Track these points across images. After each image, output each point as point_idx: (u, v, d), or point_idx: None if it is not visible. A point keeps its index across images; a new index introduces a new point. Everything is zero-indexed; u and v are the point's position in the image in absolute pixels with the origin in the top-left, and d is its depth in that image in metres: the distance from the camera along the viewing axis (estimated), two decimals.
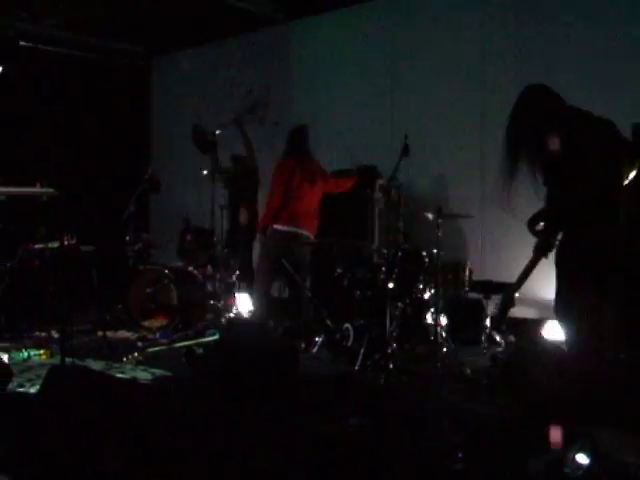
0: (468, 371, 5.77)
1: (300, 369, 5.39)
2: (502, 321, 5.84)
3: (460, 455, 3.65)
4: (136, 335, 7.94)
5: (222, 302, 8.03)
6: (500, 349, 6.51)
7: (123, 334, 7.98)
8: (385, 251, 6.41)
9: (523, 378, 4.49)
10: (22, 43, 10.28)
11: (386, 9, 8.72)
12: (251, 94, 8.33)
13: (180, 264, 8.62)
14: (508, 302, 4.66)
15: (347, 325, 6.39)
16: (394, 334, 6.10)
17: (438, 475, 3.60)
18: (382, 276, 6.35)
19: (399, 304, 6.28)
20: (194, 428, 3.07)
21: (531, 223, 4.56)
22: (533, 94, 4.37)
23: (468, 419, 4.70)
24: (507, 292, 4.66)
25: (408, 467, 3.62)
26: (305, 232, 7.27)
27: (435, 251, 6.24)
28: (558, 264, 4.23)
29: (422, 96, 8.34)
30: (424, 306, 6.45)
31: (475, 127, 7.87)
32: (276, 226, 7.24)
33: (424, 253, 6.44)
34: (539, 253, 4.32)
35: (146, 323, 8.21)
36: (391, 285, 6.19)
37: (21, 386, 5.30)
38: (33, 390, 5.17)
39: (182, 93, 11.13)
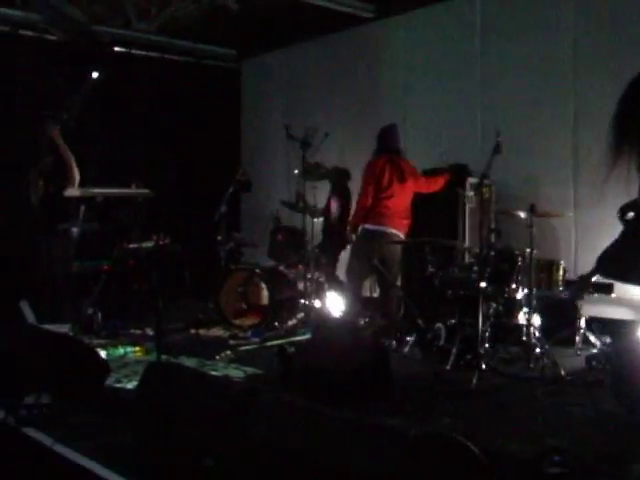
0: (563, 372, 5.64)
1: (391, 368, 5.37)
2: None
3: (557, 459, 3.57)
4: (228, 333, 8.04)
5: (313, 301, 8.06)
6: (595, 350, 6.34)
7: (215, 332, 8.08)
8: (477, 250, 6.31)
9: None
10: (117, 49, 10.54)
11: (473, 6, 8.60)
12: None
13: (271, 263, 8.69)
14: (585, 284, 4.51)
15: (439, 325, 6.33)
16: (486, 334, 6.01)
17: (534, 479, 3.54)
18: (474, 275, 6.26)
19: (491, 304, 6.19)
20: (284, 427, 3.08)
21: (622, 211, 4.41)
22: None
23: (564, 421, 4.59)
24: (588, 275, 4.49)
25: (503, 470, 3.56)
26: (394, 231, 7.24)
27: (528, 250, 6.12)
28: None
29: (513, 94, 8.19)
30: (517, 306, 6.33)
31: (567, 125, 7.70)
32: (366, 226, 7.23)
33: (517, 252, 6.31)
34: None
35: (237, 322, 8.30)
36: (483, 284, 6.10)
37: (118, 382, 5.42)
38: (130, 386, 5.29)
39: (271, 94, 11.22)
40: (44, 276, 7.92)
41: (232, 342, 7.29)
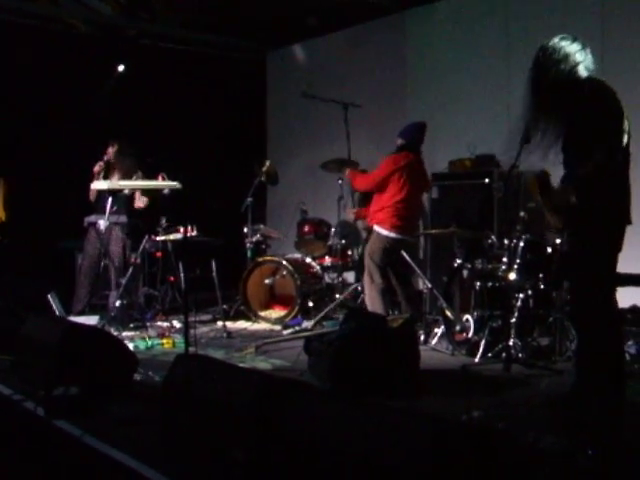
0: None
1: (419, 361, 5.35)
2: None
3: (591, 452, 3.52)
4: (255, 325, 8.04)
5: (340, 293, 8.05)
6: (630, 343, 6.24)
7: (242, 324, 8.10)
8: (506, 241, 6.25)
9: None
10: (142, 42, 10.56)
11: None
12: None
13: (298, 255, 8.67)
14: None
15: (467, 316, 6.28)
16: (515, 326, 5.96)
17: (566, 472, 3.49)
18: (503, 267, 6.21)
19: (520, 295, 6.13)
20: (313, 419, 3.06)
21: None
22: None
23: (595, 415, 4.53)
24: None
25: (534, 463, 3.52)
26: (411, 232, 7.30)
27: (558, 241, 6.05)
28: None
29: None
30: (547, 298, 6.26)
31: None
32: (391, 234, 7.10)
33: (546, 243, 6.25)
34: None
35: (264, 314, 8.31)
36: (512, 276, 6.05)
37: (146, 374, 5.42)
38: (158, 378, 5.29)
39: (297, 85, 11.18)
40: (74, 268, 8.00)
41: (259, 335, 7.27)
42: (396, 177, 7.04)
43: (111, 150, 7.80)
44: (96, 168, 7.79)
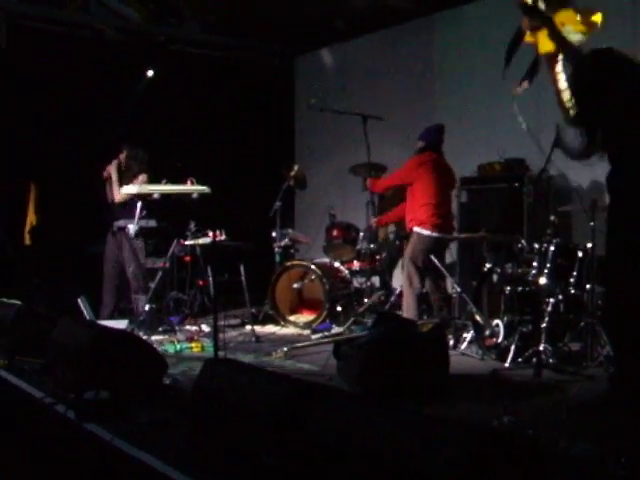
0: None
1: (449, 365, 5.31)
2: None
3: (623, 460, 3.47)
4: (283, 330, 8.04)
5: (369, 298, 8.03)
6: None
7: (270, 329, 8.11)
8: (536, 245, 6.20)
9: None
10: (171, 47, 10.61)
11: None
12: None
13: (326, 259, 8.66)
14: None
15: (497, 321, 6.23)
16: (546, 331, 5.90)
17: None
18: (533, 271, 6.16)
19: (551, 300, 6.07)
20: (344, 424, 3.04)
21: None
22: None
23: (629, 422, 4.47)
24: None
25: (567, 471, 3.48)
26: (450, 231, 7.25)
27: (589, 245, 5.99)
28: None
29: None
30: (578, 302, 6.20)
31: None
32: (434, 234, 7.09)
33: (577, 247, 6.19)
34: None
35: (293, 318, 8.31)
36: (543, 280, 6.00)
37: (176, 378, 5.43)
38: (187, 382, 5.30)
39: (325, 90, 11.17)
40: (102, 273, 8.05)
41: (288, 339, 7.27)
42: (423, 175, 7.08)
43: (121, 156, 7.90)
44: (105, 174, 7.89)
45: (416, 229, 7.13)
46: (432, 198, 7.08)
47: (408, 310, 6.99)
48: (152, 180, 7.72)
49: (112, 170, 7.89)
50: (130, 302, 8.00)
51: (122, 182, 7.83)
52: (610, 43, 7.53)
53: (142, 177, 7.83)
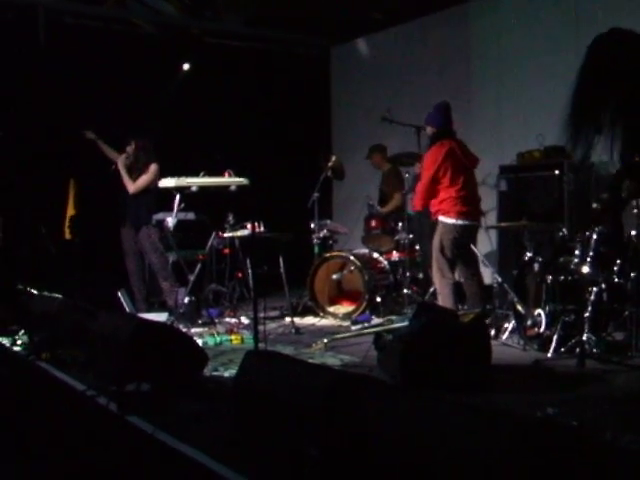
0: None
1: (491, 356, 5.26)
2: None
3: None
4: (323, 321, 8.03)
5: (408, 288, 7.98)
6: None
7: (310, 320, 8.10)
8: (579, 234, 6.11)
9: None
10: (207, 40, 10.64)
11: None
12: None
13: (365, 250, 8.62)
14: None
15: (539, 311, 6.15)
16: (589, 320, 5.81)
17: None
18: (576, 260, 6.06)
19: (594, 289, 5.97)
20: (387, 415, 3.02)
21: None
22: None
23: None
24: None
25: (614, 463, 3.41)
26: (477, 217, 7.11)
27: (633, 233, 5.89)
28: None
29: None
30: (622, 291, 6.09)
31: None
32: (451, 220, 6.96)
33: (622, 235, 6.08)
34: None
35: (332, 309, 8.29)
36: (586, 269, 5.91)
37: (215, 370, 5.45)
38: (227, 374, 5.32)
39: (361, 80, 11.13)
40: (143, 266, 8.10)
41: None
42: (442, 170, 6.83)
43: (129, 148, 7.91)
44: (113, 168, 7.93)
45: (441, 219, 6.94)
46: (457, 192, 6.86)
47: (445, 302, 6.88)
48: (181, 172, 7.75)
49: (119, 164, 7.92)
50: (158, 295, 8.05)
51: (133, 174, 7.89)
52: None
53: (153, 167, 7.84)
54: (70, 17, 9.50)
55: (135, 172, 7.90)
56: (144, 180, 7.82)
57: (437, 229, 7.03)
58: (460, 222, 6.87)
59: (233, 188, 7.26)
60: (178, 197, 7.30)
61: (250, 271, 7.43)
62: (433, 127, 7.05)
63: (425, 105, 8.37)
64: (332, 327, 7.67)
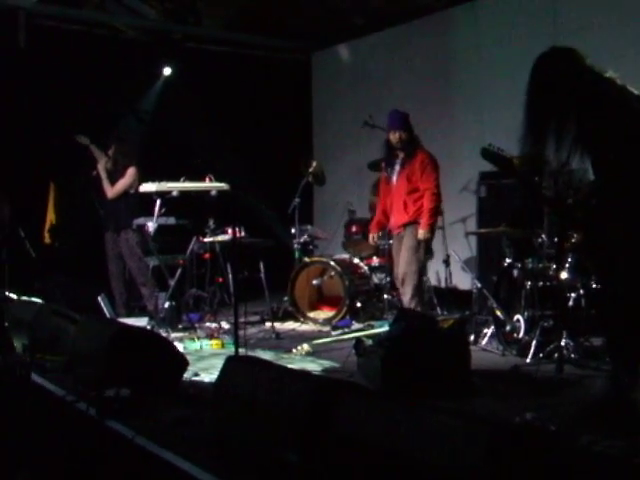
0: None
1: (470, 361, 5.28)
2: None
3: None
4: (303, 326, 8.03)
5: (388, 294, 8.00)
6: None
7: (290, 325, 8.10)
8: (557, 240, 6.15)
9: None
10: (188, 45, 10.64)
11: None
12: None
13: (345, 256, 8.64)
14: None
15: (518, 316, 6.19)
16: (568, 326, 5.85)
17: (622, 476, 3.41)
18: (554, 266, 6.11)
19: (572, 295, 6.02)
20: (366, 421, 3.03)
21: None
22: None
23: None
24: None
25: (592, 467, 3.45)
26: None
27: None
28: None
29: None
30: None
31: None
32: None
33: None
34: None
35: (313, 314, 8.29)
36: (564, 275, 5.96)
37: (196, 375, 5.44)
38: (207, 379, 5.31)
39: (342, 86, 11.17)
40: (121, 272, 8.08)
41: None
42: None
43: (109, 152, 7.95)
44: (95, 173, 7.95)
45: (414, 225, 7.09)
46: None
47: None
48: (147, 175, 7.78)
49: (100, 168, 7.94)
50: (138, 299, 8.04)
51: (113, 178, 7.91)
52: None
53: (131, 170, 7.91)
54: (51, 20, 9.47)
55: (115, 175, 7.91)
56: (122, 184, 7.86)
57: (406, 236, 7.11)
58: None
59: (214, 193, 7.27)
60: (159, 202, 7.30)
61: (230, 276, 7.43)
62: (406, 132, 7.15)
63: (407, 111, 8.46)
64: (312, 332, 7.68)
